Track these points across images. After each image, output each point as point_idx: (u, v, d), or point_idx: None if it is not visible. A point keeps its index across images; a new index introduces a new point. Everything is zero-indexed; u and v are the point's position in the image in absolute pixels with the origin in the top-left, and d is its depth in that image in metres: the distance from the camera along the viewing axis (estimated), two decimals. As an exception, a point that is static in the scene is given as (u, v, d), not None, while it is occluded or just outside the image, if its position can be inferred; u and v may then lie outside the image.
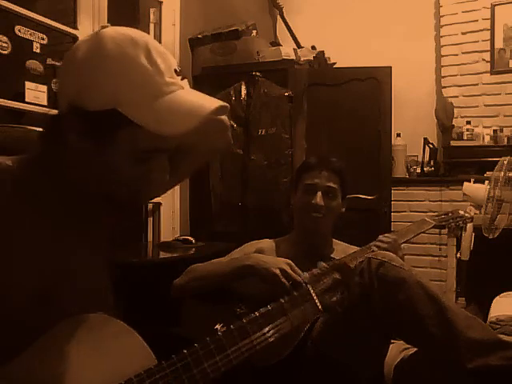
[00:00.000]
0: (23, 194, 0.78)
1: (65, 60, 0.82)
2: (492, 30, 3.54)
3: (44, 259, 0.78)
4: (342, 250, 1.78)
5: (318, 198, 1.71)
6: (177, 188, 2.94)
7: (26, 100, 2.20)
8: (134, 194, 0.83)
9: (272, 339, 0.96)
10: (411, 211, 3.63)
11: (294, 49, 3.18)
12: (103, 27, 0.80)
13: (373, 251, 1.56)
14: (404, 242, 1.82)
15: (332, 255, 1.77)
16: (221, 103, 0.79)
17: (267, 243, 1.80)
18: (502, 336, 1.61)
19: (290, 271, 1.42)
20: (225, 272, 1.55)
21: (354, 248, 1.72)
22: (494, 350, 1.29)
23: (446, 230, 2.63)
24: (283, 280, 1.40)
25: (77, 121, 0.77)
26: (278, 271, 1.42)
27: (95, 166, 0.80)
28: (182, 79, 0.82)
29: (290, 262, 1.47)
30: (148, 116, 0.75)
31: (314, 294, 1.06)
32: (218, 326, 1.44)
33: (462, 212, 2.13)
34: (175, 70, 0.81)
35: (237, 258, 1.65)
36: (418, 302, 1.35)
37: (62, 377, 0.75)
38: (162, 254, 2.45)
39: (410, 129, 3.65)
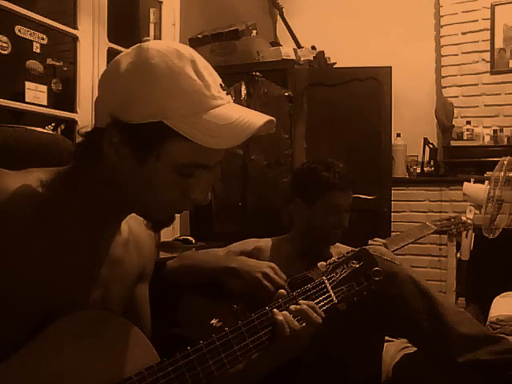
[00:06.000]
0: (46, 212, 0.78)
1: (105, 73, 0.81)
2: (492, 30, 3.54)
3: (57, 282, 0.78)
4: (339, 251, 1.79)
5: (346, 220, 1.70)
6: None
7: (26, 100, 2.20)
8: (170, 212, 0.83)
9: None
10: (411, 211, 3.63)
11: (294, 49, 3.18)
12: (145, 40, 0.80)
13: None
14: (404, 246, 1.82)
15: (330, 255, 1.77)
16: (267, 118, 0.79)
17: (266, 242, 1.80)
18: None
19: (272, 275, 1.44)
20: (213, 268, 1.56)
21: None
22: (483, 345, 1.32)
23: (447, 234, 2.64)
24: (265, 283, 1.42)
25: (117, 134, 0.76)
26: (259, 275, 1.44)
27: (135, 181, 0.79)
28: (226, 94, 0.81)
29: (273, 265, 1.49)
30: (195, 129, 0.74)
31: (329, 287, 1.01)
32: (213, 321, 1.45)
33: (464, 218, 2.13)
34: (220, 85, 0.80)
35: (225, 257, 1.66)
36: (409, 296, 1.37)
37: (61, 373, 0.74)
38: (162, 254, 2.45)
39: (410, 129, 3.65)
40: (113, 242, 0.89)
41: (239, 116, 0.77)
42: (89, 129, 0.84)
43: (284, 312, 0.93)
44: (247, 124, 0.76)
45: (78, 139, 0.85)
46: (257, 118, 0.78)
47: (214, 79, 0.79)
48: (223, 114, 0.76)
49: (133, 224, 0.95)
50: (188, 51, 0.79)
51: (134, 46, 0.81)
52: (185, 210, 0.84)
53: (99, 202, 0.83)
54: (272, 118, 0.80)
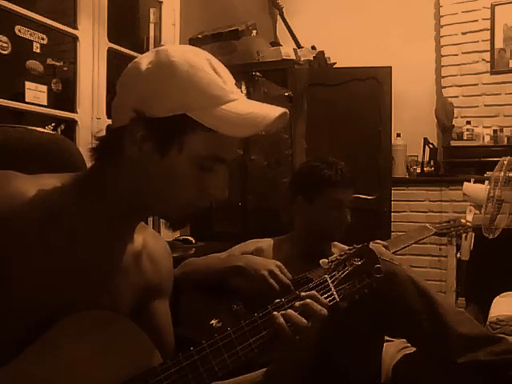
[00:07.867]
0: (59, 217, 0.79)
1: (125, 74, 0.83)
2: (492, 30, 3.54)
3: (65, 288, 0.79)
4: (339, 250, 1.79)
5: (348, 216, 1.70)
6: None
7: (26, 100, 2.20)
8: (188, 209, 0.85)
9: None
10: (411, 211, 3.63)
11: (294, 49, 3.18)
12: (160, 45, 0.85)
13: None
14: (404, 248, 1.82)
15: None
16: (282, 110, 0.83)
17: (267, 242, 1.80)
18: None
19: (277, 273, 1.45)
20: (218, 269, 1.56)
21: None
22: (483, 345, 1.32)
23: (446, 236, 2.64)
24: (271, 281, 1.43)
25: (141, 129, 0.78)
26: (266, 273, 1.45)
27: (156, 177, 0.81)
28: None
29: (279, 263, 1.49)
30: (216, 119, 0.78)
31: (331, 285, 1.00)
32: (213, 321, 1.45)
33: (463, 221, 2.13)
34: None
35: (230, 257, 1.66)
36: (408, 296, 1.37)
37: (63, 374, 0.74)
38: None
39: (410, 129, 3.65)
40: (125, 251, 0.88)
41: (256, 108, 0.82)
42: (103, 132, 0.85)
43: (289, 311, 0.92)
44: (264, 115, 0.80)
45: (78, 141, 0.85)
46: (272, 110, 0.82)
47: (228, 76, 0.83)
48: (241, 106, 0.81)
49: (149, 239, 0.95)
50: (203, 52, 0.84)
51: (150, 50, 0.85)
52: (202, 206, 0.86)
53: (115, 206, 0.83)
54: (285, 110, 0.83)
